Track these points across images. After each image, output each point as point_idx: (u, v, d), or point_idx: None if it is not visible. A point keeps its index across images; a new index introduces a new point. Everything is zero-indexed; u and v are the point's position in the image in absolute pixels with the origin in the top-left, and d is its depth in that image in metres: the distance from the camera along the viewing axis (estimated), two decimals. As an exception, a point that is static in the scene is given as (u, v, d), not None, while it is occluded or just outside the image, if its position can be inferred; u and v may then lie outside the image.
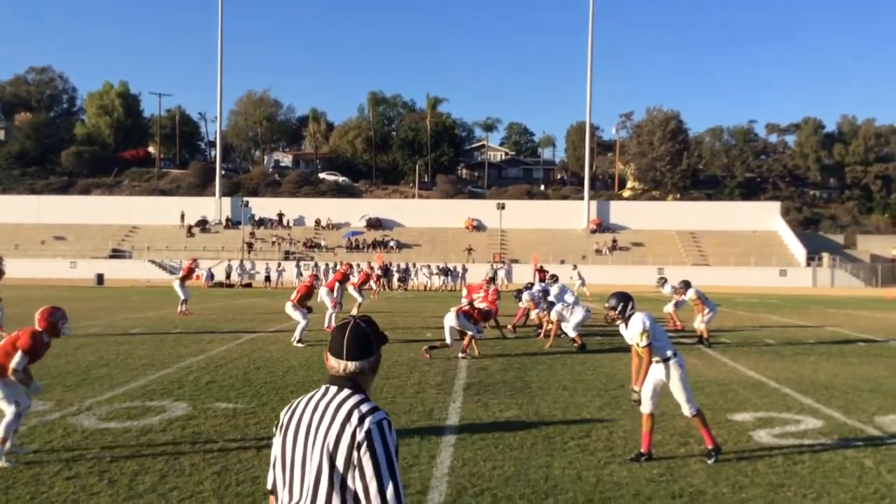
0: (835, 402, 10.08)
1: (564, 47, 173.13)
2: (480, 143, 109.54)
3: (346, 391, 2.70)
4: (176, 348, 15.27)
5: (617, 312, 7.52)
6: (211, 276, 49.03)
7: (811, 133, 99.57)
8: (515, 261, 61.55)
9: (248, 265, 55.60)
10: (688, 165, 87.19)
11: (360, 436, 2.56)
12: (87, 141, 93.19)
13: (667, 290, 22.53)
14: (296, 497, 2.65)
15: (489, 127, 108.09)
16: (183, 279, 25.30)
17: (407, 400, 9.96)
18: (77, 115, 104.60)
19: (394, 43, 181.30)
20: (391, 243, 65.45)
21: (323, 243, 65.80)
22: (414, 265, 54.25)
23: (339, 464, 2.57)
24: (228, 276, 52.91)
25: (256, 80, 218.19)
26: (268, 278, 51.02)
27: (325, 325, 19.44)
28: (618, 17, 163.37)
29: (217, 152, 77.93)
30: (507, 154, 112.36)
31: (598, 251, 64.11)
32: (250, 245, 64.00)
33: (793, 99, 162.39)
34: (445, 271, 51.66)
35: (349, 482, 2.57)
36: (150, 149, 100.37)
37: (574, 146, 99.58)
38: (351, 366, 2.73)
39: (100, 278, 50.10)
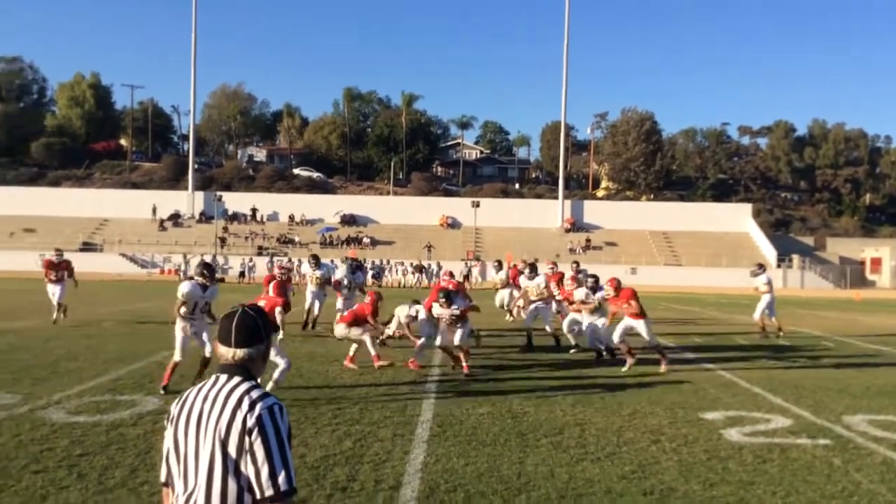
0: (804, 402, 10.20)
1: (540, 46, 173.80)
2: (456, 141, 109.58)
3: (237, 379, 2.70)
4: (148, 342, 15.09)
5: None
6: (185, 270, 48.74)
7: (782, 136, 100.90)
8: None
9: (220, 260, 55.20)
10: (661, 166, 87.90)
11: (250, 422, 2.57)
12: (58, 132, 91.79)
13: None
14: (190, 486, 2.65)
15: (464, 125, 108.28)
16: (57, 278, 18.93)
17: (380, 396, 9.94)
18: (47, 106, 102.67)
19: (369, 39, 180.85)
20: (365, 240, 65.26)
21: (297, 239, 65.44)
22: (388, 262, 54.10)
23: (232, 450, 2.58)
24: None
25: (230, 73, 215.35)
26: (242, 273, 50.70)
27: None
28: (593, 17, 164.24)
29: (190, 146, 77.28)
30: (482, 152, 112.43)
31: (572, 250, 64.37)
32: (223, 240, 63.47)
33: (765, 102, 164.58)
34: (420, 268, 51.56)
35: (242, 468, 2.58)
36: (122, 141, 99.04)
37: (549, 145, 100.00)
38: (240, 353, 2.72)
39: (69, 272, 49.34)
